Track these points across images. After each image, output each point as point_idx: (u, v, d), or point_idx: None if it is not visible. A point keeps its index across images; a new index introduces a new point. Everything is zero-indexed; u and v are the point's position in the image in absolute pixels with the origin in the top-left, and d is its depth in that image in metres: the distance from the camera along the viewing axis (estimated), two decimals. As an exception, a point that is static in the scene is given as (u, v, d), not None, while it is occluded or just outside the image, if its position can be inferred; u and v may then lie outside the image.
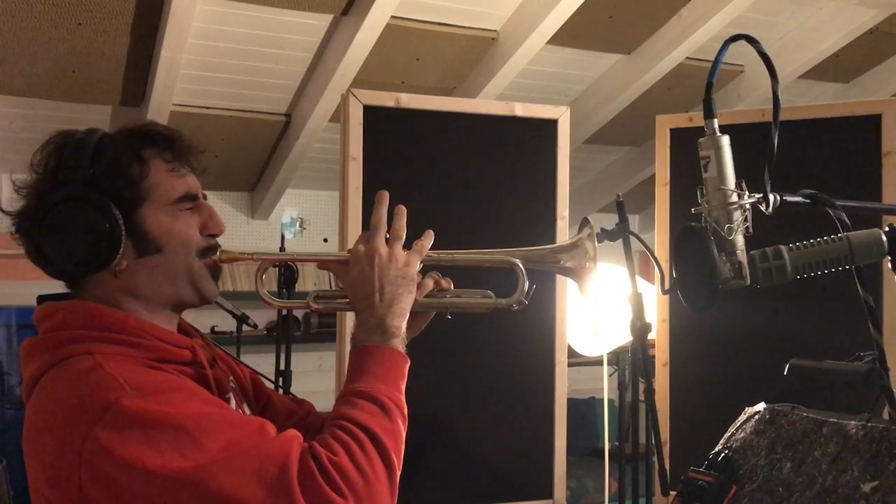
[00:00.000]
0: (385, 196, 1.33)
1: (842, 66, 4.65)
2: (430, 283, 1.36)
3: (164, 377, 1.15)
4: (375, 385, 1.21)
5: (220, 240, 1.34)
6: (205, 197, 1.33)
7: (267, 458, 1.07)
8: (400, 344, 1.27)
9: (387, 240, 1.30)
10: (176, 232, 1.25)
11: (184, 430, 1.06)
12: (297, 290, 3.80)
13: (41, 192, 1.22)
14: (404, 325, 1.28)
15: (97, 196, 1.19)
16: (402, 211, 1.33)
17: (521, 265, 1.36)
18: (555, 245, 1.42)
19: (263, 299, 1.37)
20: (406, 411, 1.23)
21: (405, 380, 1.27)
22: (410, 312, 1.31)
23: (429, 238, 1.35)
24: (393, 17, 3.58)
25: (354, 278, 1.28)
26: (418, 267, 1.32)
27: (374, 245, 1.28)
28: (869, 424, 1.15)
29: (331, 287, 1.39)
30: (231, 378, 1.36)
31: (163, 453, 1.04)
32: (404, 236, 1.31)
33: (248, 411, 1.36)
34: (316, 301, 1.36)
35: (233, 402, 1.31)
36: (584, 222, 1.42)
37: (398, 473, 1.17)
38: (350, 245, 1.35)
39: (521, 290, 1.37)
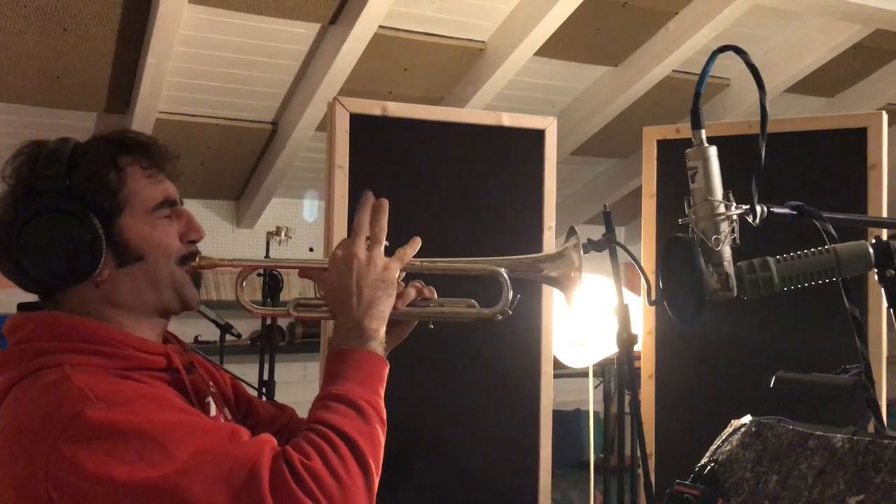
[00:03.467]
0: (370, 198, 1.31)
1: (827, 80, 4.69)
2: (412, 292, 1.34)
3: (133, 386, 1.13)
4: (352, 388, 1.19)
5: (201, 247, 1.32)
6: (182, 202, 1.31)
7: (236, 463, 1.05)
8: (378, 347, 1.25)
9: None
10: (156, 240, 1.23)
11: (151, 439, 1.04)
12: (281, 299, 3.78)
13: (16, 204, 1.18)
14: (383, 329, 1.26)
15: (76, 206, 1.17)
16: (384, 207, 1.31)
17: (505, 274, 1.35)
18: (540, 254, 1.40)
19: (244, 306, 1.35)
20: (385, 415, 1.20)
21: (384, 384, 1.24)
22: (392, 321, 1.29)
23: (413, 246, 1.33)
24: (381, 26, 3.58)
25: (332, 283, 1.27)
26: (399, 273, 1.30)
27: (352, 249, 1.27)
28: (855, 438, 1.15)
29: (315, 296, 1.36)
30: (210, 383, 1.34)
31: (130, 463, 1.02)
32: (384, 239, 1.30)
33: (228, 416, 1.34)
34: (297, 309, 1.34)
35: (213, 406, 1.29)
36: (571, 231, 1.40)
37: (377, 479, 1.14)
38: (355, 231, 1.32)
39: (505, 299, 1.35)
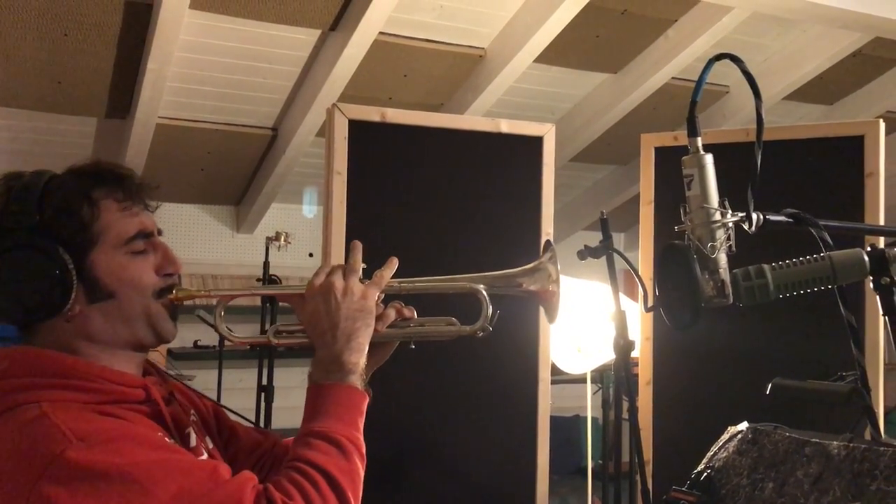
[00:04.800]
0: (358, 247, 1.32)
1: (825, 88, 4.70)
2: (391, 314, 1.33)
3: (112, 424, 1.12)
4: (332, 425, 1.19)
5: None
6: (160, 233, 1.30)
7: None
8: (358, 380, 1.24)
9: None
10: (127, 277, 1.22)
11: (133, 480, 1.03)
12: (280, 305, 3.79)
13: None
14: (362, 361, 1.26)
15: (46, 242, 1.16)
16: (358, 246, 1.32)
17: (483, 291, 1.35)
18: (517, 269, 1.40)
19: (224, 336, 1.35)
20: (364, 450, 1.21)
21: (363, 416, 1.24)
22: (373, 343, 1.29)
23: (390, 267, 1.33)
24: (381, 33, 3.59)
25: (310, 314, 1.26)
26: (379, 297, 1.30)
27: (330, 279, 1.26)
28: (851, 445, 1.15)
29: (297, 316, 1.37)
30: (192, 412, 1.33)
31: None
32: (360, 269, 1.29)
33: (210, 445, 1.33)
34: (276, 336, 1.35)
35: (193, 436, 1.28)
36: (547, 245, 1.41)
37: None
38: (329, 263, 1.33)
39: (484, 316, 1.34)
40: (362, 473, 1.18)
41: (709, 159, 1.18)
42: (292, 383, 4.75)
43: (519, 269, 1.40)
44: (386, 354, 1.39)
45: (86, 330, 1.21)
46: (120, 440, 1.09)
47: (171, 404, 1.26)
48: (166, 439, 1.17)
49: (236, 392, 4.52)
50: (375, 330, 1.29)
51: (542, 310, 2.48)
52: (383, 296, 1.32)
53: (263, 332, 4.08)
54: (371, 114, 2.38)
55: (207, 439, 1.33)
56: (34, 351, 1.18)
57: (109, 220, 1.22)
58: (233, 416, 1.50)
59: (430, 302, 1.39)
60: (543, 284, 1.37)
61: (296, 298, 1.31)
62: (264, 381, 3.88)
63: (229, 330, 1.37)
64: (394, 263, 1.33)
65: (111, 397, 1.16)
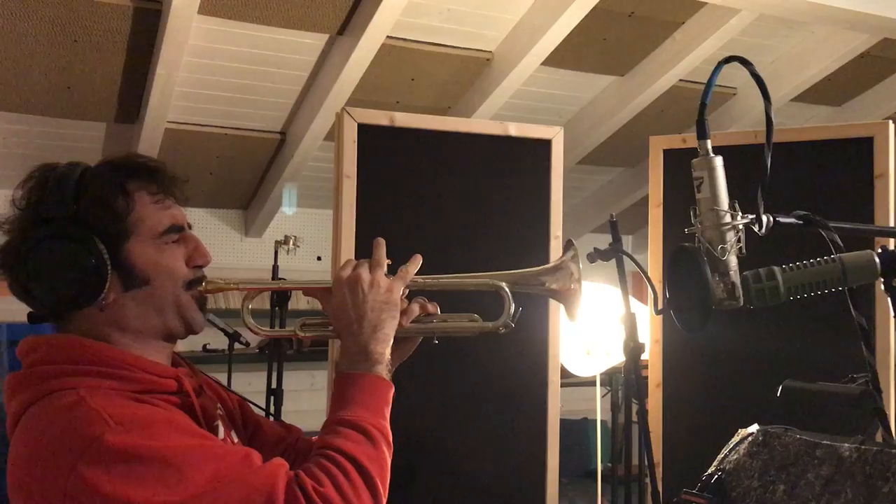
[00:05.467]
0: (382, 244, 1.35)
1: (833, 89, 4.69)
2: (416, 309, 1.36)
3: (148, 410, 1.14)
4: (360, 413, 1.22)
5: (212, 258, 1.33)
6: (190, 227, 1.33)
7: (253, 489, 1.07)
8: (384, 370, 1.27)
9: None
10: (162, 265, 1.25)
11: (169, 464, 1.06)
12: (289, 308, 3.79)
13: (24, 229, 1.20)
14: (388, 352, 1.29)
15: (81, 232, 1.19)
16: (381, 242, 1.35)
17: (506, 288, 1.37)
18: (539, 267, 1.42)
19: (249, 328, 1.38)
20: (391, 438, 1.23)
21: (390, 406, 1.27)
22: (397, 338, 1.31)
23: (415, 263, 1.36)
24: (388, 37, 3.60)
25: (337, 305, 1.29)
26: (404, 292, 1.32)
27: (357, 272, 1.29)
28: (862, 447, 1.15)
29: (322, 309, 1.39)
30: (219, 405, 1.36)
31: (148, 488, 1.04)
32: (385, 263, 1.32)
33: (236, 439, 1.36)
34: (302, 329, 1.38)
35: (221, 429, 1.30)
36: (569, 244, 1.43)
37: (384, 501, 1.17)
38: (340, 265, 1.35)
39: (507, 312, 1.37)
40: (389, 461, 1.21)
41: (718, 161, 1.18)
42: (301, 387, 4.77)
43: (541, 267, 1.42)
44: (410, 349, 1.42)
45: (118, 319, 1.23)
46: (157, 425, 1.11)
47: (200, 396, 1.28)
48: (199, 428, 1.19)
49: (245, 395, 4.52)
50: (400, 324, 1.31)
51: (550, 313, 2.51)
52: (408, 291, 1.34)
53: (272, 335, 4.11)
54: (380, 118, 2.39)
55: (233, 433, 1.36)
56: (69, 339, 1.21)
57: (143, 213, 1.24)
58: (256, 411, 1.52)
59: (450, 300, 1.41)
60: (565, 283, 1.39)
61: (322, 291, 1.34)
62: (273, 385, 3.89)
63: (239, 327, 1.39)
64: (418, 260, 1.37)
65: (143, 386, 1.19)
